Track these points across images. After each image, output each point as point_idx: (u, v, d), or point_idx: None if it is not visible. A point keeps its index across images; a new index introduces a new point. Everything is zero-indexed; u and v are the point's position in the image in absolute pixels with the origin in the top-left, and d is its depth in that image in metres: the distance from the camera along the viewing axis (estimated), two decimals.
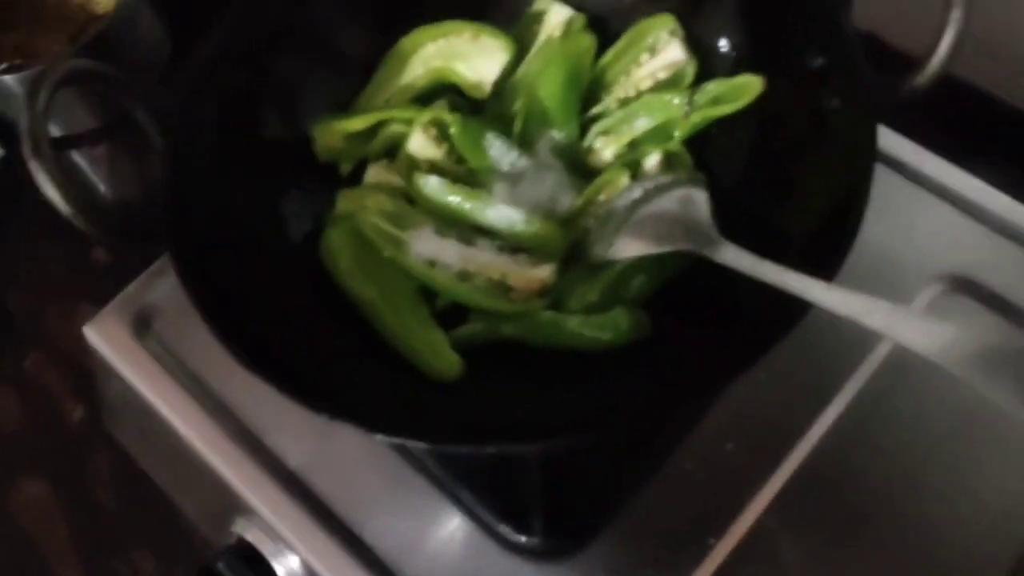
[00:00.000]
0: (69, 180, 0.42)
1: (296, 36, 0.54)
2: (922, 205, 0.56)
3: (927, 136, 0.57)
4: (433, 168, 0.53)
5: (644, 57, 0.54)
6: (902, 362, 0.52)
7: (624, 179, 0.52)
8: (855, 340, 0.52)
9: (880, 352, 0.52)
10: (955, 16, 0.42)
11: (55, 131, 0.74)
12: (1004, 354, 0.34)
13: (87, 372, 0.67)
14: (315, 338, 0.48)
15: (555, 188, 0.52)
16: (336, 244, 0.51)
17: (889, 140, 0.57)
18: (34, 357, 0.71)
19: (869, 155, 0.43)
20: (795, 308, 0.40)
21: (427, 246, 0.50)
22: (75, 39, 0.81)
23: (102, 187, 0.73)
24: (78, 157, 0.73)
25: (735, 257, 0.43)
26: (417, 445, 0.49)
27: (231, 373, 0.52)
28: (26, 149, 0.42)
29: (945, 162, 0.57)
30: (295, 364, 0.44)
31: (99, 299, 0.71)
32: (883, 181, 0.55)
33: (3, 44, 0.80)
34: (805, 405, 0.51)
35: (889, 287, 0.54)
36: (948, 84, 0.45)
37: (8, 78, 0.71)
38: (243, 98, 0.51)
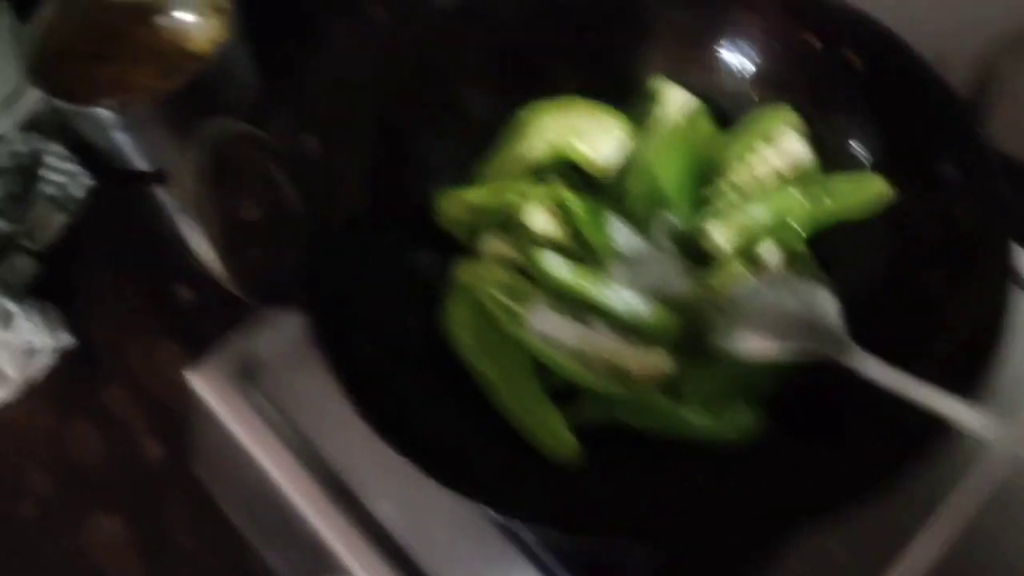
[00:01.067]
0: (222, 244, 0.43)
1: (428, 105, 0.54)
2: None
3: None
4: (551, 244, 0.54)
5: (759, 144, 0.54)
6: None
7: (740, 269, 0.52)
8: (967, 447, 0.51)
9: (994, 462, 0.51)
10: None
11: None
12: None
13: (168, 410, 0.68)
14: (439, 408, 0.49)
15: (670, 272, 0.53)
16: (457, 316, 0.52)
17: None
18: (113, 391, 0.70)
19: (1006, 274, 0.43)
20: (931, 431, 0.39)
21: (544, 322, 0.51)
22: (167, 75, 0.82)
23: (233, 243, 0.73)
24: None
25: (875, 369, 0.43)
26: (552, 532, 0.49)
27: (333, 429, 0.54)
28: (184, 210, 0.43)
29: None
30: (422, 436, 0.44)
31: (181, 336, 0.72)
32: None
33: (101, 77, 0.81)
34: (915, 513, 0.50)
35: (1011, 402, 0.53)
36: None
37: (105, 112, 0.72)
38: (374, 166, 0.52)
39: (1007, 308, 0.41)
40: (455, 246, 0.56)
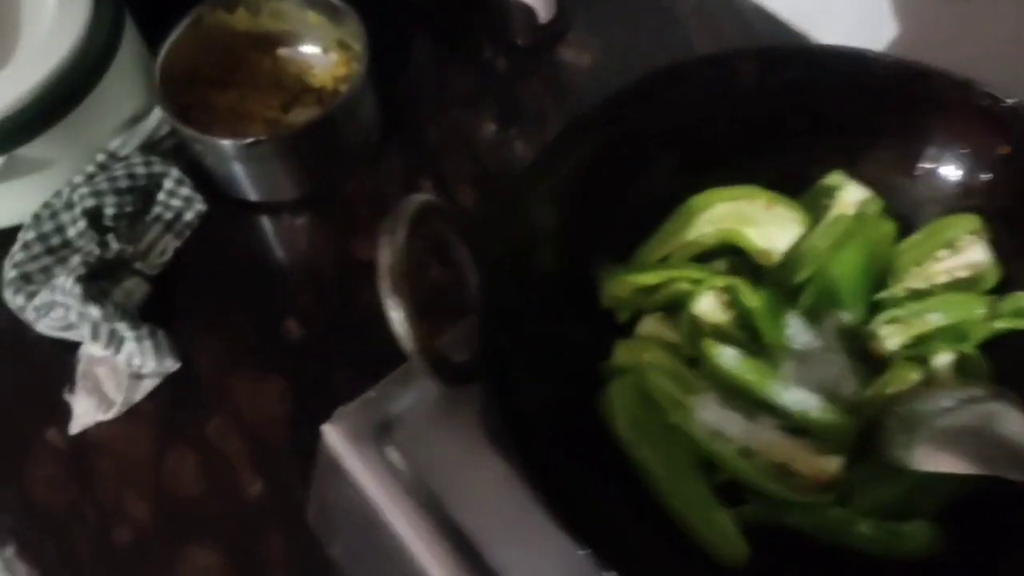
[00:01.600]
0: (418, 320, 0.42)
1: (602, 178, 0.54)
2: None
3: None
4: (718, 333, 0.52)
5: (943, 253, 0.53)
6: None
7: (915, 375, 0.51)
8: None
9: None
10: None
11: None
12: None
13: (269, 445, 0.67)
14: (599, 494, 0.47)
15: (840, 373, 0.51)
16: (618, 401, 0.50)
17: None
18: (217, 423, 0.70)
19: None
20: None
21: (711, 415, 0.49)
22: (287, 107, 0.82)
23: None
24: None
25: None
26: None
27: (472, 497, 0.52)
28: (383, 287, 0.42)
29: None
30: (593, 517, 0.43)
31: (287, 372, 0.71)
32: None
33: (220, 103, 0.81)
34: None
35: None
36: None
37: (225, 142, 0.72)
38: (547, 242, 0.51)
39: None
40: (612, 325, 0.55)
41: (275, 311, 0.74)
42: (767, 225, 0.55)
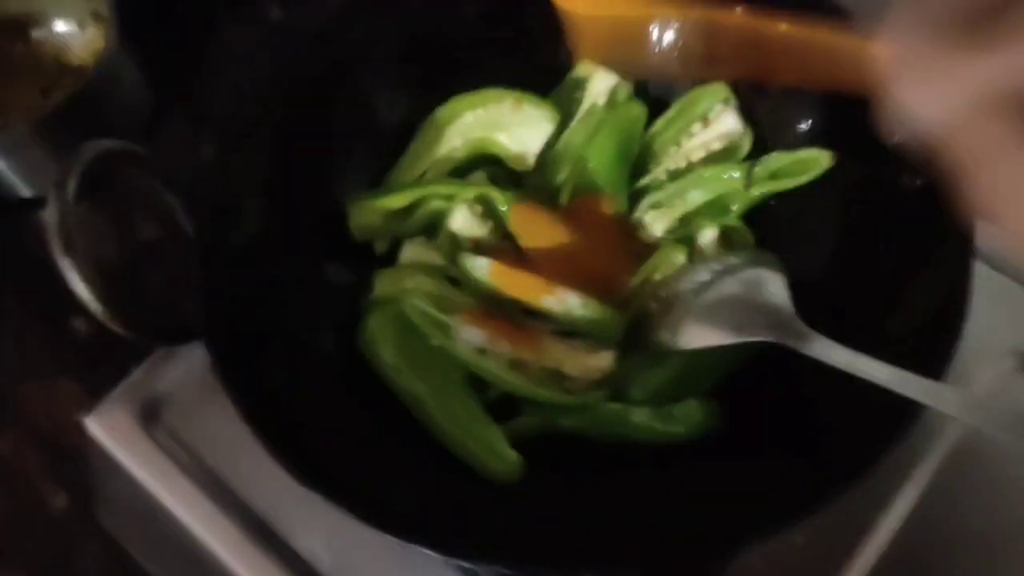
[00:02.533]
0: (102, 278, 0.38)
1: (330, 106, 0.50)
2: (987, 282, 0.54)
3: None
4: (478, 246, 0.50)
5: (696, 127, 0.52)
6: (974, 448, 0.50)
7: (680, 257, 0.49)
8: (925, 425, 0.50)
9: (951, 434, 0.50)
10: None
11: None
12: None
13: (69, 455, 0.62)
14: (361, 439, 0.44)
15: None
16: (377, 333, 0.47)
17: None
18: (9, 437, 0.65)
19: (962, 241, 0.40)
20: (900, 416, 0.37)
21: (476, 332, 0.47)
22: (48, 91, 0.77)
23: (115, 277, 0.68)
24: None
25: (829, 351, 0.40)
26: (495, 570, 0.45)
27: (247, 466, 0.49)
28: (55, 245, 0.37)
29: None
30: (346, 473, 0.40)
31: (79, 374, 0.67)
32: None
33: None
34: (877, 491, 0.48)
35: (957, 366, 0.52)
36: None
37: None
38: (276, 178, 0.47)
39: (970, 280, 0.39)
40: (375, 259, 0.52)
41: (61, 311, 0.69)
42: (517, 128, 0.52)
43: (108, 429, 0.53)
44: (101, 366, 0.66)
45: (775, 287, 0.44)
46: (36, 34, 0.77)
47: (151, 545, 0.56)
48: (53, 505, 0.61)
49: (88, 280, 0.37)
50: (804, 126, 0.51)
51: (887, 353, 0.39)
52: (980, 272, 0.54)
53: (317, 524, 0.50)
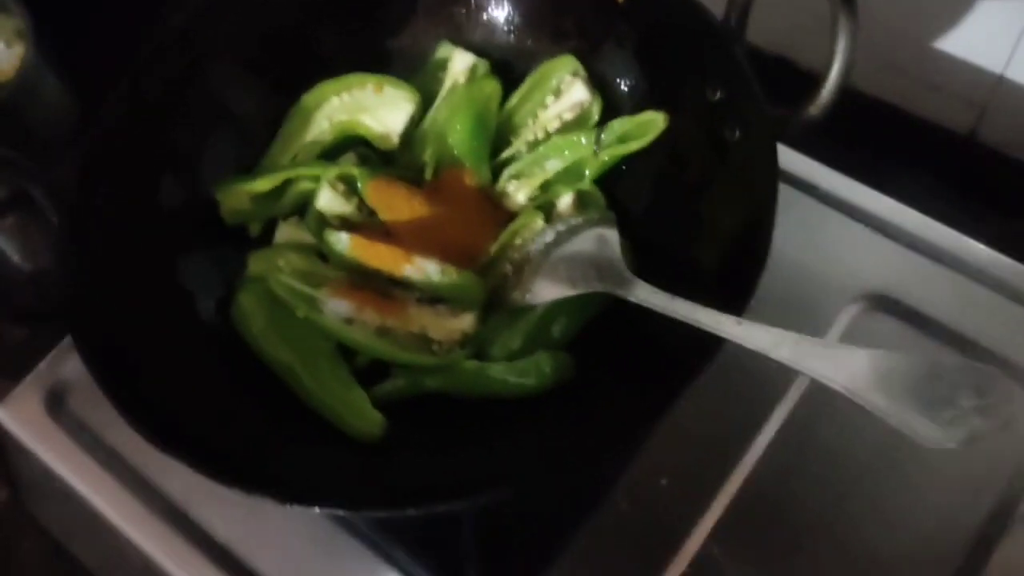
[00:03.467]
0: None
1: (192, 101, 0.53)
2: (835, 226, 0.57)
3: (836, 155, 0.58)
4: (345, 223, 0.52)
5: (549, 99, 0.54)
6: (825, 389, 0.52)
7: (538, 222, 0.51)
8: (779, 369, 0.52)
9: (803, 380, 0.52)
10: (841, 47, 0.43)
11: None
12: (905, 379, 0.34)
13: (6, 451, 0.65)
14: (231, 409, 0.47)
15: None
16: (247, 308, 0.50)
17: (798, 162, 0.58)
18: None
19: (771, 185, 0.43)
20: (709, 345, 0.40)
21: (343, 303, 0.49)
22: None
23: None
24: None
25: (647, 295, 0.43)
26: (334, 512, 0.48)
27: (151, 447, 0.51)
28: None
29: (856, 182, 0.58)
30: (211, 439, 0.43)
31: (14, 376, 0.69)
32: (796, 204, 0.56)
33: None
34: (734, 436, 0.51)
35: (808, 310, 0.54)
36: (855, 100, 0.46)
37: None
38: (140, 169, 0.50)
39: (773, 216, 0.41)
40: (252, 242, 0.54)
41: None
42: (380, 109, 0.55)
43: (17, 416, 0.56)
44: (33, 368, 0.69)
45: (609, 242, 0.47)
46: None
47: (71, 527, 0.59)
48: None
49: None
50: (635, 89, 0.53)
51: (705, 291, 0.41)
52: (832, 218, 0.57)
53: (212, 495, 0.53)
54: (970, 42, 0.57)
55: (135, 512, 0.54)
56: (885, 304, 0.54)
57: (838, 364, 0.37)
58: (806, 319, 0.53)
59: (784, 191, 0.43)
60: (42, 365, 0.58)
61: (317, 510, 0.39)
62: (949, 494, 0.50)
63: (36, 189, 0.46)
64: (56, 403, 0.57)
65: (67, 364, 0.58)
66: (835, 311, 0.54)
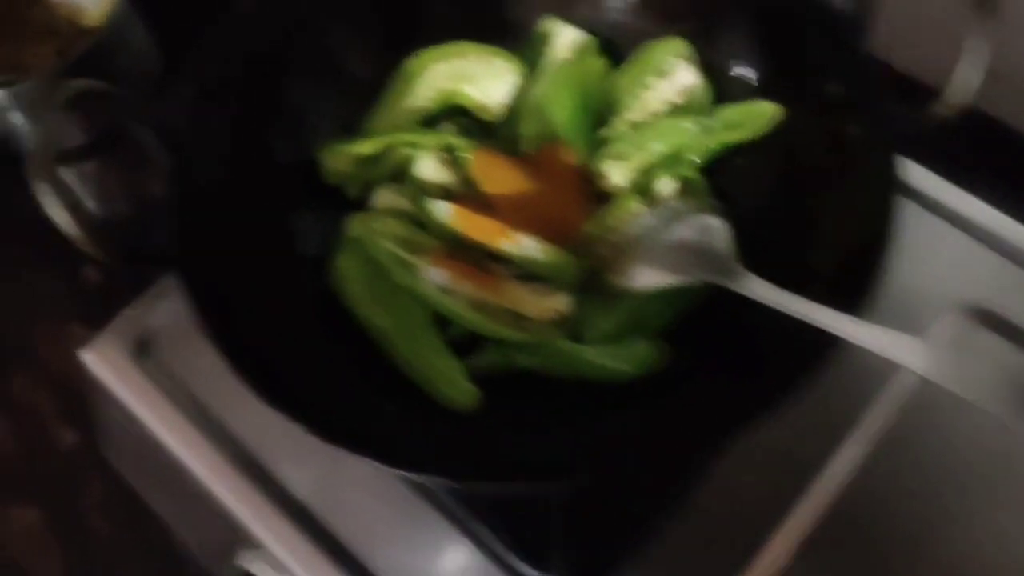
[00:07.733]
0: (76, 203, 0.41)
1: (301, 58, 0.53)
2: (941, 235, 0.55)
3: (945, 166, 0.56)
4: (443, 192, 0.52)
5: (653, 80, 0.53)
6: (925, 397, 0.50)
7: (636, 205, 0.51)
8: (874, 372, 0.51)
9: (900, 385, 0.51)
10: (971, 47, 0.42)
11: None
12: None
13: (78, 395, 0.66)
14: (327, 366, 0.47)
15: None
16: (347, 270, 0.50)
17: (908, 169, 0.57)
18: (22, 379, 0.68)
19: (892, 186, 0.42)
20: (822, 344, 0.39)
21: (441, 273, 0.49)
22: (63, 52, 0.80)
23: (98, 206, 0.72)
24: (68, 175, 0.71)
25: (758, 289, 0.42)
26: (439, 482, 0.48)
27: (236, 399, 0.51)
28: (33, 172, 0.41)
29: (964, 192, 0.57)
30: (310, 394, 0.43)
31: (90, 319, 0.70)
32: (901, 210, 0.55)
33: None
34: (826, 439, 0.50)
35: (908, 318, 0.52)
36: (967, 115, 0.45)
37: None
38: (251, 119, 0.50)
39: (893, 219, 0.41)
40: (349, 204, 0.54)
41: (71, 259, 0.72)
42: (483, 79, 0.55)
43: (102, 361, 0.57)
44: (109, 311, 0.70)
45: (716, 231, 0.47)
46: None
47: (147, 474, 0.60)
48: (63, 442, 0.64)
49: (65, 205, 0.40)
50: (749, 77, 0.52)
51: (817, 289, 0.41)
52: (938, 227, 0.56)
53: (301, 455, 0.53)
54: None
55: (215, 463, 0.54)
56: (986, 317, 0.53)
57: (957, 370, 0.36)
58: (903, 327, 0.52)
59: None
60: (127, 311, 0.59)
61: (421, 477, 0.39)
62: None
63: (141, 127, 0.46)
64: (142, 350, 0.57)
65: (154, 311, 0.58)
66: (934, 321, 0.53)
